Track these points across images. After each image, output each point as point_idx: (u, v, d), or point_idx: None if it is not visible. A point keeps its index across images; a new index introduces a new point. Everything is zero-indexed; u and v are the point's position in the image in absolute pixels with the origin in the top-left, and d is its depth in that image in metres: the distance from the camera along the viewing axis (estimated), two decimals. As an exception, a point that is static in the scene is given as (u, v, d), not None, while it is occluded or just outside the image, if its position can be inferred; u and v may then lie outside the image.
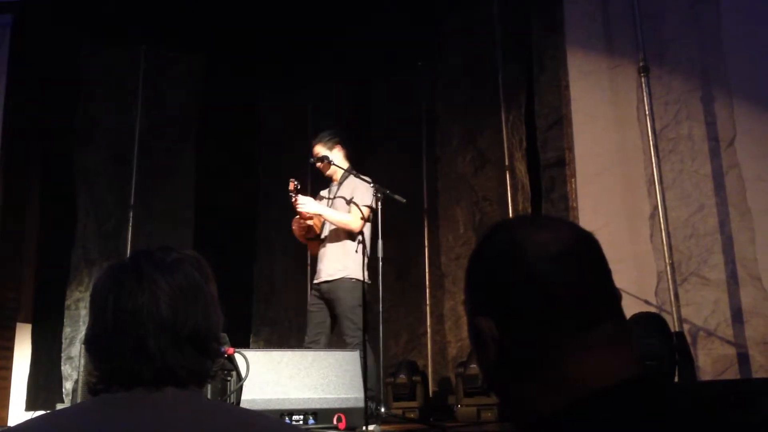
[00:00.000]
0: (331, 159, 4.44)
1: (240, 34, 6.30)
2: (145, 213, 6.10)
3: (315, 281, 4.51)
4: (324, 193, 4.64)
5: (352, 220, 4.27)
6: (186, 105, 6.56)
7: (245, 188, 6.68)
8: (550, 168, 5.24)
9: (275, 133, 6.88)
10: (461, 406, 4.73)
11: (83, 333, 6.06)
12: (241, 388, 3.13)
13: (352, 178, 4.39)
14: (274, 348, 5.35)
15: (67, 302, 6.06)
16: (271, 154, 6.85)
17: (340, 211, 4.33)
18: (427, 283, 6.05)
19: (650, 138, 4.34)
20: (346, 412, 3.34)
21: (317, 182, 6.17)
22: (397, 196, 4.03)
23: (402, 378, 5.16)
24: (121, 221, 6.07)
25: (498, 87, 5.77)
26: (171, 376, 1.19)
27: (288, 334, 6.39)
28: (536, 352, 0.89)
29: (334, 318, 4.39)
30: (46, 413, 1.30)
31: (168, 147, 6.48)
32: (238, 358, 3.09)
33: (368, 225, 4.33)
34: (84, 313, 6.07)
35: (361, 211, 4.21)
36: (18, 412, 5.80)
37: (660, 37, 4.65)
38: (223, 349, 2.46)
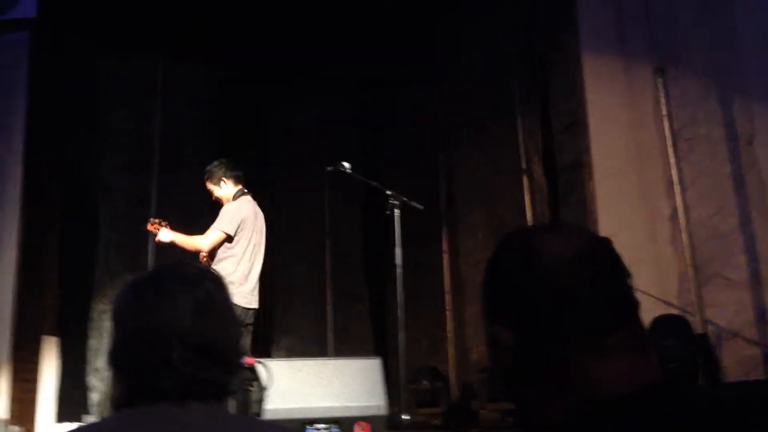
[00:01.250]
0: (220, 195, 4.82)
1: (253, 45, 6.34)
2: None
3: None
4: None
5: (200, 240, 4.64)
6: (202, 116, 6.62)
7: (259, 197, 6.70)
8: (567, 170, 5.23)
9: (288, 141, 6.90)
10: (485, 410, 4.73)
11: (107, 344, 6.14)
12: (263, 398, 3.15)
13: (226, 205, 4.75)
14: (295, 357, 5.39)
15: (92, 314, 6.14)
16: (284, 162, 6.88)
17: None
18: (447, 288, 6.05)
19: (668, 139, 4.31)
20: (369, 419, 3.36)
21: (335, 190, 6.22)
22: (414, 203, 4.06)
23: (424, 384, 5.18)
24: (141, 233, 6.14)
25: (511, 90, 5.76)
26: (194, 390, 1.20)
27: (309, 342, 6.42)
28: (551, 358, 0.89)
29: None
30: (76, 429, 1.32)
31: (186, 158, 6.54)
32: (260, 369, 3.11)
33: (229, 248, 4.61)
34: (108, 324, 6.13)
35: (210, 233, 4.59)
36: (48, 425, 5.87)
37: (674, 37, 4.62)
38: (243, 361, 2.50)
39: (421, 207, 4.09)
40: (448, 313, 6.02)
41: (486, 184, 5.95)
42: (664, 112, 4.37)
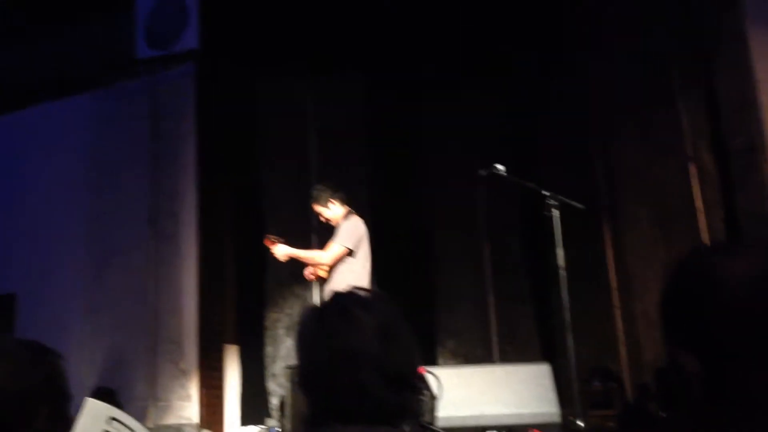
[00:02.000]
0: (329, 216, 4.98)
1: (397, 52, 6.43)
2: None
3: None
4: None
5: (322, 255, 4.85)
6: (354, 126, 6.80)
7: (417, 201, 6.77)
8: (740, 155, 4.87)
9: (440, 143, 6.93)
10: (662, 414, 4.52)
11: (282, 351, 6.50)
12: (434, 407, 3.19)
13: (344, 221, 4.92)
14: (462, 362, 5.41)
15: (266, 323, 6.50)
16: (437, 167, 6.89)
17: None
18: (614, 285, 5.83)
19: None
20: (541, 427, 3.31)
21: (489, 192, 6.18)
22: (574, 203, 3.95)
23: (596, 385, 5.02)
24: (306, 244, 6.42)
25: (670, 74, 5.45)
26: (383, 412, 1.25)
27: (473, 344, 6.42)
28: (740, 384, 0.85)
29: None
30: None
31: (340, 167, 6.74)
32: (430, 378, 3.15)
33: (352, 263, 4.80)
34: (282, 332, 6.47)
35: (332, 248, 4.78)
36: (234, 428, 6.29)
37: None
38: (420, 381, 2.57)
39: (582, 206, 3.98)
40: (616, 310, 5.80)
41: (648, 174, 5.67)
42: None
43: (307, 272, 5.05)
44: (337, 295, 1.38)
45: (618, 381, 5.21)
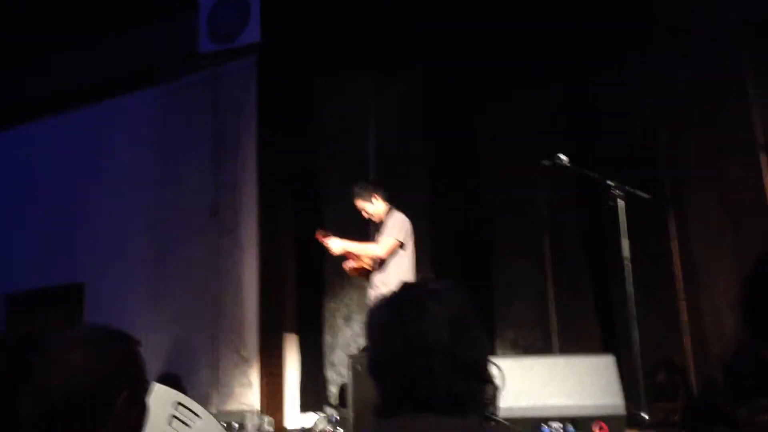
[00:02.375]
0: (372, 212, 5.09)
1: (458, 42, 6.38)
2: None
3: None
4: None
5: (376, 248, 4.96)
6: (413, 117, 6.78)
7: (477, 194, 6.72)
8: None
9: (500, 135, 6.85)
10: (729, 408, 4.40)
11: (341, 340, 6.56)
12: (496, 397, 3.17)
13: (390, 216, 5.05)
14: (521, 353, 5.37)
15: (325, 313, 6.57)
16: (498, 153, 6.82)
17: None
18: (679, 277, 5.69)
19: None
20: (606, 419, 3.27)
21: (549, 183, 6.10)
22: (639, 192, 3.88)
23: (661, 378, 4.93)
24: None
25: (741, 60, 5.28)
26: (455, 403, 1.26)
27: (533, 336, 6.35)
28: None
29: None
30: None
31: (399, 160, 6.74)
32: (491, 368, 3.13)
33: (402, 255, 4.93)
34: (340, 322, 6.54)
35: (385, 241, 4.89)
36: (294, 414, 6.39)
37: None
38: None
39: (648, 196, 3.90)
40: (681, 302, 5.66)
41: (716, 164, 5.50)
42: None
43: (348, 266, 5.19)
44: (410, 286, 1.39)
45: (683, 374, 5.09)
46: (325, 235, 5.06)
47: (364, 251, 5.06)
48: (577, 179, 5.29)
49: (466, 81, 6.46)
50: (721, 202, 5.45)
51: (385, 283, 4.94)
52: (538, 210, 6.31)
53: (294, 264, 6.70)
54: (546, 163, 4.45)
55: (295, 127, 6.87)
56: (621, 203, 3.90)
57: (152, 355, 6.42)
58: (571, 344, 5.99)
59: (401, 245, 4.95)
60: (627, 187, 3.90)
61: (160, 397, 4.50)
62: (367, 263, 5.17)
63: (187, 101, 7.02)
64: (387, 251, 4.92)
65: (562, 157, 4.35)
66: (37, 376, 1.40)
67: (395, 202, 5.33)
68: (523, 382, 3.36)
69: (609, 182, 4.02)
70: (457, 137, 6.55)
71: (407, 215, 5.29)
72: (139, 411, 1.48)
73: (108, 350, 1.44)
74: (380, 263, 5.02)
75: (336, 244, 5.00)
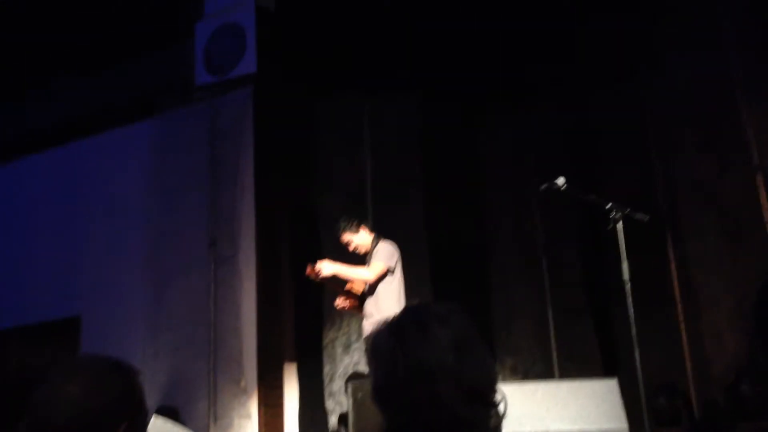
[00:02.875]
0: (359, 242, 5.17)
1: (452, 66, 6.44)
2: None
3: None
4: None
5: (365, 271, 5.00)
6: (408, 144, 6.81)
7: (474, 217, 6.73)
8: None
9: (499, 160, 6.89)
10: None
11: (340, 369, 6.51)
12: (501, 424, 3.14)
13: (378, 244, 5.11)
14: (522, 378, 5.34)
15: (324, 342, 6.52)
16: (496, 178, 6.85)
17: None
18: (678, 299, 5.68)
19: None
20: (610, 443, 3.23)
21: (547, 205, 6.11)
22: (639, 215, 3.88)
23: (662, 402, 4.89)
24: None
25: (734, 81, 5.33)
26: (461, 427, 1.24)
27: (532, 360, 6.32)
28: None
29: None
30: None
31: (397, 186, 6.75)
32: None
33: (391, 281, 4.98)
34: (339, 351, 6.49)
35: (375, 265, 4.95)
36: (292, 446, 6.32)
37: None
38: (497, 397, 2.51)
39: (646, 218, 3.90)
40: (681, 324, 5.64)
41: (713, 184, 5.52)
42: None
43: (339, 302, 5.30)
44: (412, 309, 1.37)
45: (685, 397, 5.05)
46: (314, 269, 5.06)
47: (354, 274, 5.11)
48: (575, 203, 5.31)
49: (463, 106, 6.52)
50: (718, 223, 5.45)
51: (377, 309, 4.98)
52: (537, 234, 6.32)
53: (292, 292, 6.66)
54: (543, 187, 4.45)
55: (292, 156, 6.88)
56: (620, 225, 3.90)
57: (150, 386, 6.35)
58: (572, 368, 5.96)
59: (390, 271, 5.02)
60: (626, 210, 3.89)
61: (159, 430, 4.46)
62: (356, 290, 5.23)
63: (184, 132, 7.03)
64: (376, 275, 4.98)
65: (559, 181, 4.35)
66: (34, 409, 1.38)
67: (386, 229, 5.38)
68: (526, 407, 3.33)
69: (608, 205, 4.01)
70: (455, 162, 6.59)
71: (404, 240, 5.31)
72: None
73: (107, 381, 1.42)
74: (369, 289, 5.08)
75: (327, 266, 5.02)
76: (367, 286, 5.12)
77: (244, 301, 6.45)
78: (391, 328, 1.35)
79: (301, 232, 6.81)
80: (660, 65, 5.94)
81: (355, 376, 6.16)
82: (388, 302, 4.94)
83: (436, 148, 6.64)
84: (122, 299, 7.04)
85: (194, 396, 6.39)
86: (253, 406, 6.23)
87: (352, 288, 5.25)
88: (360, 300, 5.24)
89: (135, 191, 7.20)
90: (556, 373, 6.03)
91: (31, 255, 7.69)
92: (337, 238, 5.33)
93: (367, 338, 5.08)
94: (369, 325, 5.05)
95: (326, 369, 6.48)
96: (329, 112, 6.93)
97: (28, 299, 7.58)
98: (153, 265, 6.93)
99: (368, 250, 5.20)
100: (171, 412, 6.00)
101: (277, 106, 6.75)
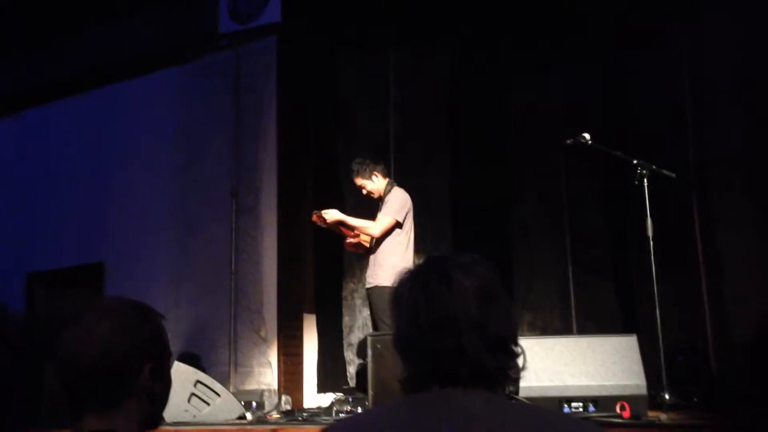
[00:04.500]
0: (372, 188, 5.06)
1: (483, 20, 6.29)
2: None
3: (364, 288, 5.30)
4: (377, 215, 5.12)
5: (372, 225, 4.91)
6: (435, 97, 6.72)
7: (499, 173, 6.65)
8: None
9: (525, 118, 6.78)
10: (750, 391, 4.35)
11: (359, 321, 6.56)
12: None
13: (391, 192, 5.00)
14: (539, 334, 5.35)
15: (344, 294, 6.57)
16: (523, 138, 6.75)
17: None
18: (701, 258, 5.63)
19: None
20: (628, 399, 3.24)
21: (572, 161, 6.04)
22: (665, 171, 3.83)
23: (680, 360, 4.89)
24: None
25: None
26: (483, 376, 1.24)
27: (551, 318, 6.32)
28: None
29: (373, 320, 5.04)
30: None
31: (421, 140, 6.68)
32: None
33: (398, 234, 4.89)
34: (359, 302, 6.54)
35: (383, 220, 4.85)
36: (311, 395, 6.43)
37: None
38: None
39: (673, 175, 3.85)
40: (703, 284, 5.60)
41: (745, 146, 5.39)
42: None
43: (347, 242, 5.19)
44: (436, 259, 1.37)
45: (704, 356, 5.04)
46: (320, 216, 5.04)
47: (360, 227, 5.04)
48: (600, 158, 5.24)
49: (490, 60, 6.40)
50: (746, 184, 5.36)
51: (381, 260, 4.92)
52: (560, 190, 6.26)
53: (313, 244, 6.70)
54: (569, 141, 4.40)
55: (316, 108, 6.85)
56: (645, 182, 3.85)
57: (172, 333, 6.32)
58: (591, 325, 5.96)
59: (399, 224, 4.91)
60: (653, 166, 3.84)
61: (181, 376, 4.55)
62: (365, 240, 5.14)
63: (209, 81, 7.02)
64: (382, 231, 4.90)
65: (586, 135, 4.30)
66: (62, 349, 1.41)
67: (409, 182, 5.31)
68: (544, 361, 3.34)
69: (634, 161, 3.96)
70: (481, 117, 6.49)
71: (427, 194, 5.25)
72: (163, 384, 1.48)
73: (133, 323, 1.44)
74: (375, 241, 5.00)
75: (332, 214, 4.98)
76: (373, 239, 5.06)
77: (266, 251, 6.51)
78: (414, 277, 1.34)
79: (323, 183, 6.80)
80: (698, 20, 5.78)
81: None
82: (393, 254, 4.88)
83: (461, 102, 6.54)
84: (146, 247, 7.14)
85: (215, 344, 6.51)
86: (272, 355, 6.33)
87: (360, 234, 5.16)
88: (369, 248, 5.17)
89: (160, 139, 7.24)
90: (575, 330, 6.03)
91: (58, 200, 7.79)
92: (358, 190, 5.28)
93: (370, 288, 4.99)
94: (371, 274, 5.00)
95: (345, 320, 6.54)
96: (354, 64, 6.85)
97: (55, 244, 7.71)
98: (177, 214, 7.00)
99: (381, 195, 5.11)
100: (193, 359, 6.12)
101: (302, 57, 6.70)
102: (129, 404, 1.40)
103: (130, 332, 1.42)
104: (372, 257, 5.04)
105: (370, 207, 5.38)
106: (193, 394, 4.55)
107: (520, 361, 1.34)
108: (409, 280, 1.35)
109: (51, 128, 8.07)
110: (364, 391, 5.13)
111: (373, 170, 5.10)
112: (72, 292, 7.57)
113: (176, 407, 4.35)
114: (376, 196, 5.15)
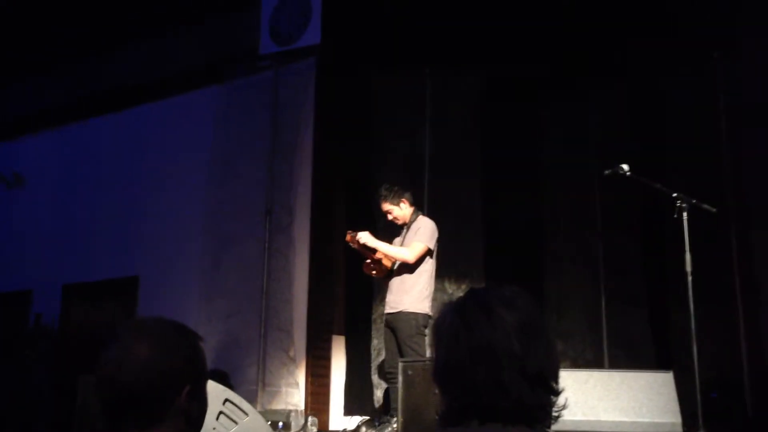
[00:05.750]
0: (398, 215, 5.04)
1: (518, 44, 6.30)
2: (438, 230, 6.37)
3: (384, 312, 5.15)
4: (397, 240, 5.13)
5: (406, 253, 4.86)
6: (469, 120, 6.72)
7: (532, 199, 6.62)
8: None
9: (559, 144, 6.75)
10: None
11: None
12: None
13: (418, 220, 5.00)
14: (569, 365, 5.27)
15: (373, 316, 6.55)
16: (555, 162, 6.72)
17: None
18: (739, 293, 5.52)
19: None
20: (663, 436, 3.18)
21: (607, 191, 5.99)
22: (705, 205, 3.77)
23: (715, 396, 4.78)
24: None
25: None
26: (524, 413, 1.22)
27: (582, 347, 6.23)
28: None
29: (399, 346, 4.87)
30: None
31: (454, 163, 6.67)
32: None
33: (427, 261, 4.87)
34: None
35: (417, 246, 4.80)
36: (338, 417, 6.40)
37: None
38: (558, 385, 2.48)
39: (714, 209, 3.79)
40: (740, 320, 5.49)
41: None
42: None
43: (368, 265, 5.14)
44: (477, 291, 1.36)
45: (740, 392, 4.92)
46: (354, 235, 5.01)
47: (393, 253, 5.00)
48: (634, 188, 5.19)
49: (526, 85, 6.39)
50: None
51: (405, 289, 4.90)
52: (594, 218, 6.20)
53: (345, 265, 6.70)
54: (607, 172, 4.36)
55: (351, 129, 6.89)
56: (685, 215, 3.80)
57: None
58: (622, 357, 5.86)
59: (430, 252, 4.91)
60: (693, 200, 3.78)
61: (210, 393, 4.54)
62: (386, 264, 5.08)
63: (246, 100, 7.10)
64: (416, 257, 4.87)
65: (624, 166, 4.26)
66: (103, 367, 1.41)
67: (442, 205, 5.29)
68: (576, 395, 3.29)
69: (674, 194, 3.91)
70: (515, 141, 6.47)
71: (459, 217, 5.22)
72: (199, 406, 1.48)
73: (174, 344, 1.44)
74: (399, 267, 4.97)
75: (366, 236, 4.96)
76: (396, 262, 5.01)
77: (297, 271, 6.53)
78: (455, 309, 1.33)
79: (357, 204, 6.81)
80: (737, 48, 5.72)
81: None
82: (420, 281, 4.87)
83: (496, 127, 6.53)
84: (179, 263, 7.20)
85: (244, 362, 6.52)
86: (300, 376, 6.32)
87: (382, 259, 5.09)
88: (388, 272, 5.10)
89: (197, 156, 7.32)
90: (606, 361, 5.94)
91: (95, 214, 7.91)
92: (378, 205, 5.25)
93: (394, 314, 4.93)
94: (396, 300, 4.94)
95: (374, 343, 6.51)
96: (390, 86, 6.89)
97: (90, 257, 7.82)
98: (211, 231, 7.06)
99: (406, 222, 5.10)
100: (222, 377, 6.13)
101: (339, 78, 6.75)
102: (166, 424, 1.40)
103: (170, 353, 1.42)
104: (396, 283, 4.99)
105: (390, 231, 5.37)
106: (221, 412, 4.53)
107: (562, 398, 1.31)
108: (451, 312, 1.34)
109: (91, 142, 8.22)
110: (390, 414, 5.11)
111: (402, 197, 5.10)
112: (106, 305, 7.66)
113: (204, 425, 4.34)
114: (400, 222, 5.15)
